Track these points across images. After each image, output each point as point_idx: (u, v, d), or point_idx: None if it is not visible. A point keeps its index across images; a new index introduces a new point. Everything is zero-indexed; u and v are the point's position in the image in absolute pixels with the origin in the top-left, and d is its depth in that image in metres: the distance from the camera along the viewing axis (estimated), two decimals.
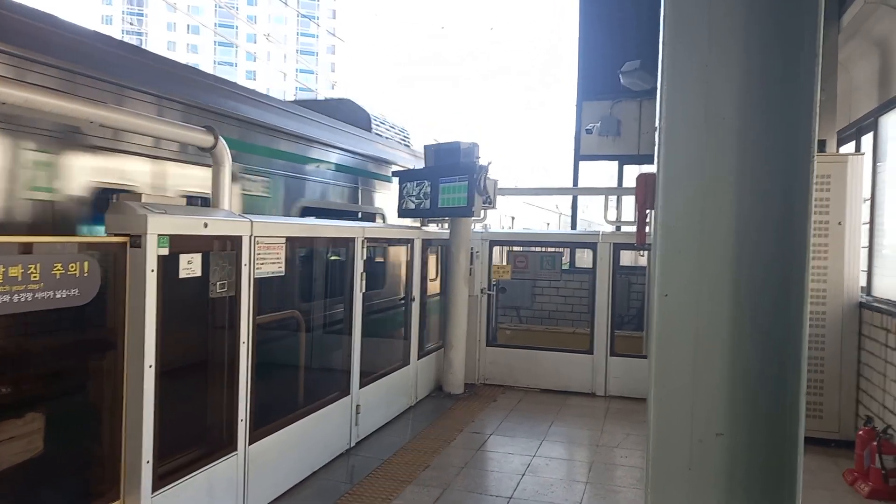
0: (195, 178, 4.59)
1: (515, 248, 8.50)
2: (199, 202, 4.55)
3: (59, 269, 2.79)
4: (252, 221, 3.95)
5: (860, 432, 4.91)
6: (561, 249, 8.70)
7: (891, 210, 5.66)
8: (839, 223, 5.53)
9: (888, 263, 5.70)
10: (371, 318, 5.81)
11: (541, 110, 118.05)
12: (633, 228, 7.05)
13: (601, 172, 11.64)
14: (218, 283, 3.70)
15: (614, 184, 10.60)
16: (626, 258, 8.70)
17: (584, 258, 10.01)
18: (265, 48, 75.93)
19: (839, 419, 5.62)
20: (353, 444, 5.40)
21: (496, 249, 8.01)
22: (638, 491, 4.72)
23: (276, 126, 5.64)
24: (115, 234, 3.20)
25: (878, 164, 5.99)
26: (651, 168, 8.45)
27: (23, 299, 2.65)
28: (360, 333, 5.43)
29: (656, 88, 1.32)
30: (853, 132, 6.86)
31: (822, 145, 6.34)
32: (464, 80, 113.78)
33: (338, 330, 5.55)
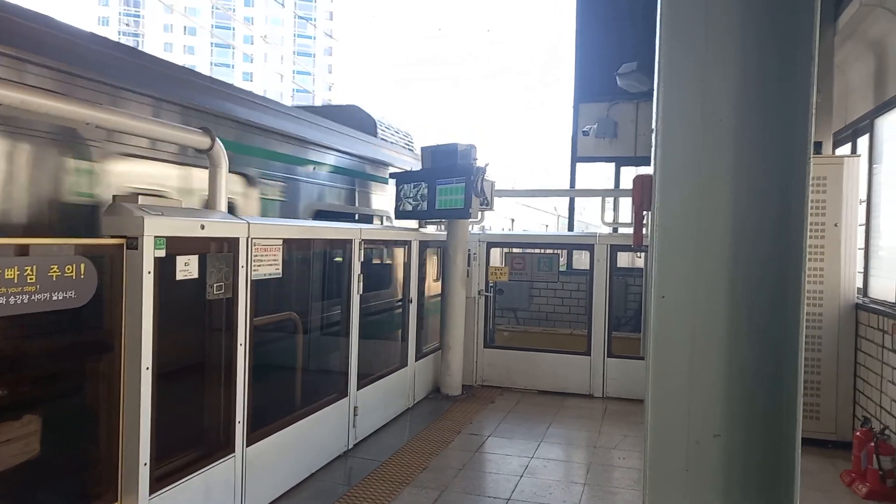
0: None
1: (513, 250, 8.50)
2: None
3: (55, 271, 2.79)
4: (249, 223, 3.95)
5: (857, 433, 4.92)
6: (558, 251, 8.72)
7: (887, 211, 5.67)
8: (835, 225, 5.54)
9: (884, 265, 5.71)
10: (369, 319, 5.81)
11: (541, 110, 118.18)
12: (630, 230, 7.05)
13: (598, 174, 11.65)
14: (215, 285, 3.70)
15: (611, 186, 10.61)
16: (623, 260, 8.69)
17: (581, 260, 10.03)
18: (262, 50, 75.90)
19: (836, 420, 5.63)
20: (350, 446, 5.39)
21: (494, 251, 8.02)
22: (636, 492, 4.71)
23: (296, 134, 5.92)
24: (112, 236, 3.20)
25: (874, 165, 6.00)
26: (648, 170, 8.42)
27: (19, 301, 2.64)
28: (357, 335, 5.43)
29: (653, 90, 1.32)
30: (849, 134, 6.88)
31: (818, 147, 6.34)
32: (463, 81, 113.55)
33: (335, 332, 5.55)
